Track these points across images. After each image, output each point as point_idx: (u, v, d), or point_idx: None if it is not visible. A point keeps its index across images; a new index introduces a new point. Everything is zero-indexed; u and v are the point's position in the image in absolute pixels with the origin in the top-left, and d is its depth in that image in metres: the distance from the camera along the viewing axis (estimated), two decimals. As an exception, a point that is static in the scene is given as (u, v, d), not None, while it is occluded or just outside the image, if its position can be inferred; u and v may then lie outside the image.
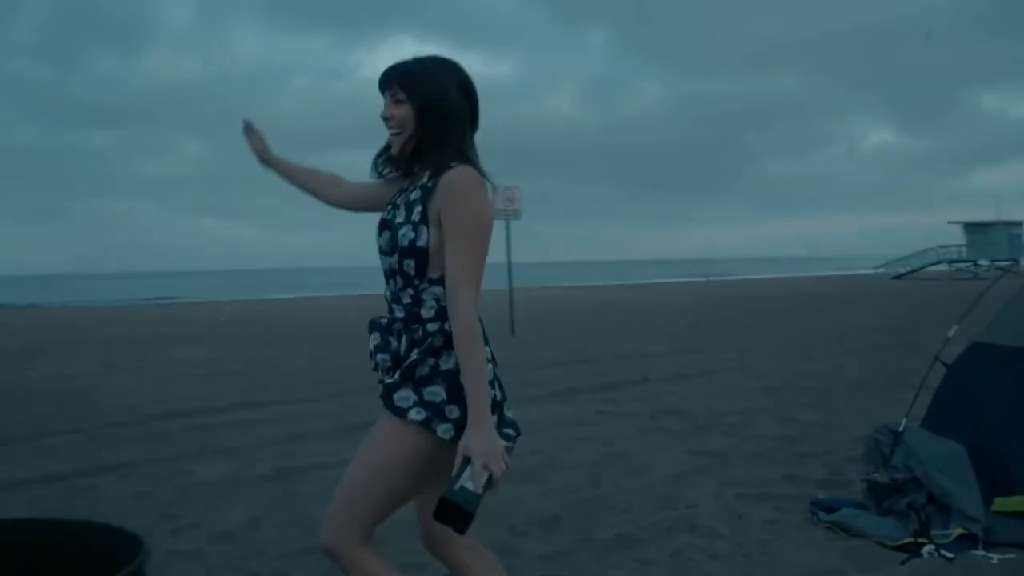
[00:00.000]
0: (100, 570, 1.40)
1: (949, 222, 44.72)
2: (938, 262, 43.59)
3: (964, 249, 43.19)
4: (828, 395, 7.66)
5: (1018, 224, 42.43)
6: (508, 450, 1.90)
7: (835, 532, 3.85)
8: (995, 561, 3.47)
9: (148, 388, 9.29)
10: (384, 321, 2.07)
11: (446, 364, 1.95)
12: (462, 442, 1.84)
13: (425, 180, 2.02)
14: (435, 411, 1.93)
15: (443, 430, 1.92)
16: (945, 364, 4.45)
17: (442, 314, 1.95)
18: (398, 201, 2.08)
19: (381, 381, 2.04)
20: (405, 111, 2.01)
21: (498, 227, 15.20)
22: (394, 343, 2.02)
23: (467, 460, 1.81)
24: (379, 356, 2.05)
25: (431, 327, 1.96)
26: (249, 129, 2.47)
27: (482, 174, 2.03)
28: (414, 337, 1.97)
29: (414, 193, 2.03)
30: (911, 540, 3.63)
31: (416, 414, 1.93)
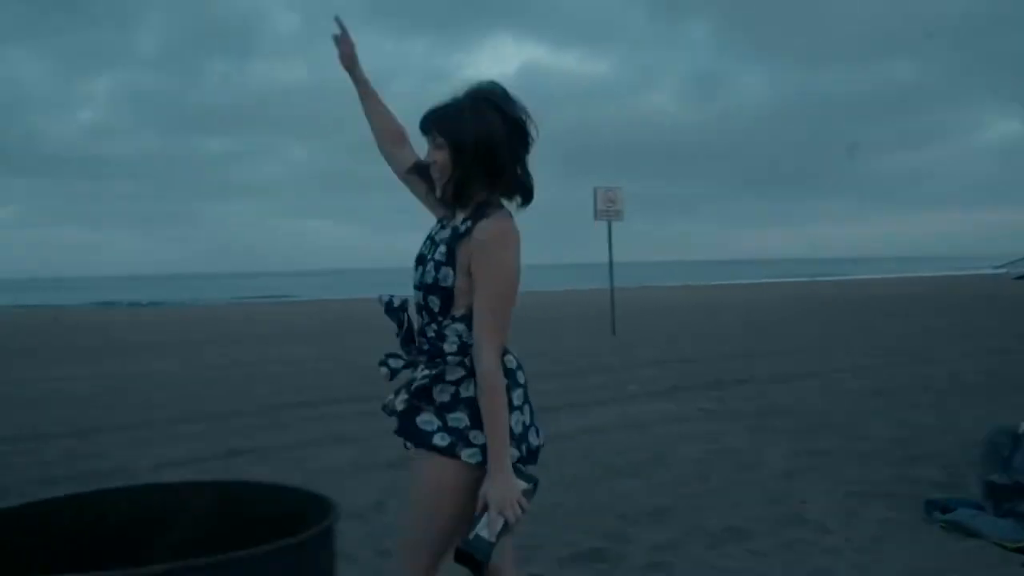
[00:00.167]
0: (294, 528, 1.57)
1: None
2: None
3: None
4: (942, 398, 7.46)
5: None
6: (529, 492, 1.94)
7: (950, 532, 3.83)
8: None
9: (265, 381, 9.84)
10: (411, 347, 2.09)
11: (466, 392, 1.98)
12: (481, 490, 1.90)
13: (458, 222, 2.04)
14: (459, 436, 1.96)
15: (468, 455, 1.95)
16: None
17: (463, 350, 1.98)
18: (435, 236, 2.09)
19: (392, 412, 2.05)
20: (444, 155, 2.01)
21: (600, 228, 15.35)
22: (415, 373, 2.05)
23: (486, 507, 1.89)
24: (393, 364, 2.06)
25: (452, 360, 1.99)
26: (342, 32, 2.31)
27: (528, 198, 2.04)
28: (436, 371, 2.00)
29: (444, 232, 2.05)
30: (1032, 542, 3.60)
31: (440, 439, 1.97)
